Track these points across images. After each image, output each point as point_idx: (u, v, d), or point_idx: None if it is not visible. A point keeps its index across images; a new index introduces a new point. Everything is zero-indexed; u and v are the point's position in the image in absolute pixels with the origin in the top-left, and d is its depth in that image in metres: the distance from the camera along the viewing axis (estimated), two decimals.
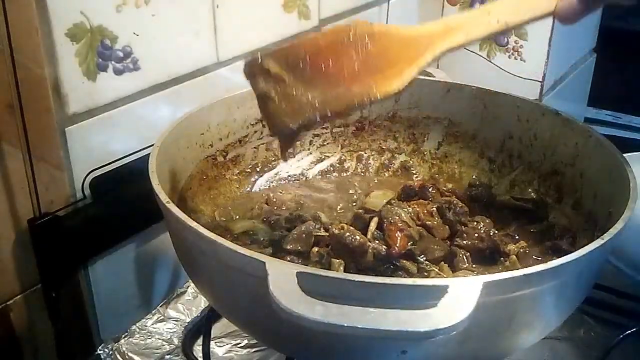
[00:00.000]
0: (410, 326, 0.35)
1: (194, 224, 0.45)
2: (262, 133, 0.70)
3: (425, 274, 0.52)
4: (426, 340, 0.36)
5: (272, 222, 0.61)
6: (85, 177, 0.62)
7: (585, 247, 0.43)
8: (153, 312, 0.67)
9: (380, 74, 0.50)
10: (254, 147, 0.70)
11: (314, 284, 0.39)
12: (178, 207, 0.48)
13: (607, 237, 0.44)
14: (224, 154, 0.67)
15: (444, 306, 0.36)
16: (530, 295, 0.41)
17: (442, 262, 0.55)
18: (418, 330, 0.35)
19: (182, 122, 0.61)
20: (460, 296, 0.36)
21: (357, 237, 0.53)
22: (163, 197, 0.49)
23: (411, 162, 0.74)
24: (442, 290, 0.37)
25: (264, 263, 0.40)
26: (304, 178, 0.73)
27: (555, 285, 0.43)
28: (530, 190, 0.65)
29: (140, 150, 0.65)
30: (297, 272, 0.39)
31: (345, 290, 0.39)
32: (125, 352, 0.62)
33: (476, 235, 0.58)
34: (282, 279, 0.39)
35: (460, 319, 0.35)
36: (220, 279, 0.49)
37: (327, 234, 0.56)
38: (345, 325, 0.35)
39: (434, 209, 0.60)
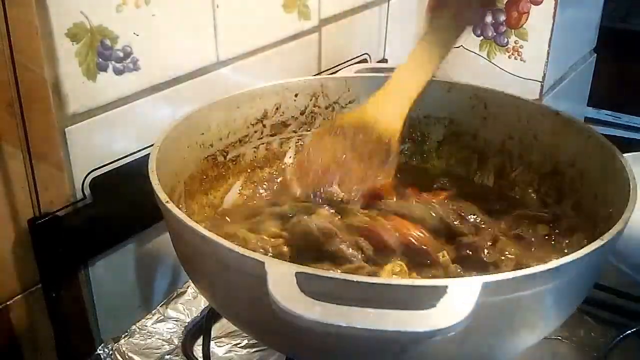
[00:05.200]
0: (409, 327, 0.35)
1: (193, 224, 0.45)
2: (262, 133, 0.70)
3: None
4: (426, 341, 0.36)
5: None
6: (85, 177, 0.62)
7: (585, 247, 0.43)
8: (153, 312, 0.67)
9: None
10: (254, 147, 0.70)
11: (313, 284, 0.38)
12: (178, 207, 0.48)
13: (607, 237, 0.44)
14: (224, 154, 0.67)
15: (443, 307, 0.36)
16: (530, 295, 0.41)
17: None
18: (417, 330, 0.35)
19: (182, 122, 0.61)
20: (459, 297, 0.36)
21: None
22: (162, 196, 0.49)
23: (412, 161, 0.74)
24: (441, 291, 0.37)
25: (263, 263, 0.40)
26: None
27: (555, 286, 0.42)
28: (530, 190, 0.65)
29: (140, 150, 0.65)
30: (296, 272, 0.39)
31: (344, 290, 0.39)
32: (125, 352, 0.62)
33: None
34: (281, 279, 0.38)
35: (459, 319, 0.35)
36: (219, 279, 0.49)
37: None
38: (344, 325, 0.35)
39: None
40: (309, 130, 0.73)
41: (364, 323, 0.35)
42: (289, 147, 0.73)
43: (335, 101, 0.73)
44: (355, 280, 0.39)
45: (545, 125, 0.64)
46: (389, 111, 0.60)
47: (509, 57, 0.99)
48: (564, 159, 0.63)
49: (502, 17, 0.98)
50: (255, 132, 0.69)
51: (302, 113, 0.72)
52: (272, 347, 0.57)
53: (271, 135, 0.71)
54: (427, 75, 0.59)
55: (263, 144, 0.71)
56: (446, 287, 0.37)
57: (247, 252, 0.42)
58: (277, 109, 0.70)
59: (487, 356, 0.45)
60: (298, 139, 0.73)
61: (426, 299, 0.36)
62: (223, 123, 0.66)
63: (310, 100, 0.72)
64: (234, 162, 0.69)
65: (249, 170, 0.70)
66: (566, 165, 0.63)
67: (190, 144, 0.63)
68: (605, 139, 0.58)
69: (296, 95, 0.71)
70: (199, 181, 0.64)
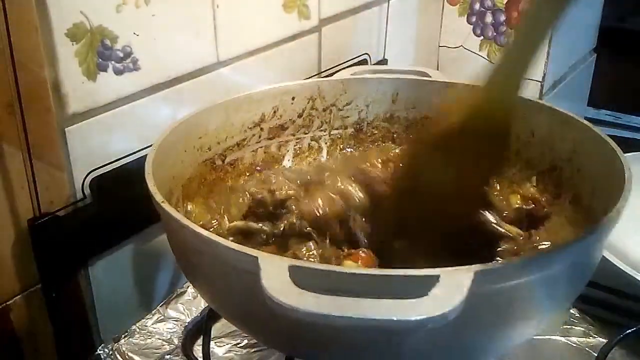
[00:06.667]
0: (400, 315, 0.35)
1: (188, 222, 0.45)
2: (259, 137, 0.70)
3: None
4: (418, 330, 0.36)
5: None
6: (85, 177, 0.62)
7: (579, 235, 0.43)
8: (153, 312, 0.67)
9: None
10: (252, 151, 0.70)
11: (306, 276, 0.38)
12: (177, 210, 0.48)
13: (600, 225, 0.44)
14: (222, 157, 0.67)
15: (435, 295, 0.36)
16: (524, 285, 0.41)
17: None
18: (408, 319, 0.35)
19: (180, 126, 0.60)
20: (451, 285, 0.36)
21: None
22: (158, 197, 0.49)
23: None
24: (433, 280, 0.37)
25: (257, 258, 0.40)
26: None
27: (548, 275, 0.42)
28: (528, 186, 0.65)
29: (140, 150, 0.66)
30: (289, 266, 0.39)
31: (337, 282, 0.39)
32: (125, 352, 0.62)
33: None
34: (274, 273, 0.39)
35: (450, 307, 0.35)
36: (215, 277, 0.49)
37: None
38: (336, 315, 0.35)
39: None
40: (307, 133, 0.73)
41: (356, 312, 0.35)
42: (287, 151, 0.73)
43: (333, 103, 0.73)
44: (347, 271, 0.39)
45: (542, 121, 0.64)
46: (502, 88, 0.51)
47: None
48: (561, 155, 0.63)
49: (502, 17, 0.98)
50: (253, 135, 0.69)
51: (299, 116, 0.72)
52: (269, 344, 0.57)
53: (269, 139, 0.71)
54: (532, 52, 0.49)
55: (261, 147, 0.71)
56: (438, 276, 0.37)
57: (240, 248, 0.42)
58: (274, 112, 0.70)
59: (481, 347, 0.45)
60: (296, 142, 0.73)
61: (418, 288, 0.36)
62: (221, 127, 0.66)
63: (308, 103, 0.71)
64: (232, 166, 0.69)
65: (247, 174, 0.70)
66: (563, 161, 0.62)
67: (187, 148, 0.62)
68: (600, 134, 0.57)
69: (293, 99, 0.70)
70: (197, 185, 0.64)
